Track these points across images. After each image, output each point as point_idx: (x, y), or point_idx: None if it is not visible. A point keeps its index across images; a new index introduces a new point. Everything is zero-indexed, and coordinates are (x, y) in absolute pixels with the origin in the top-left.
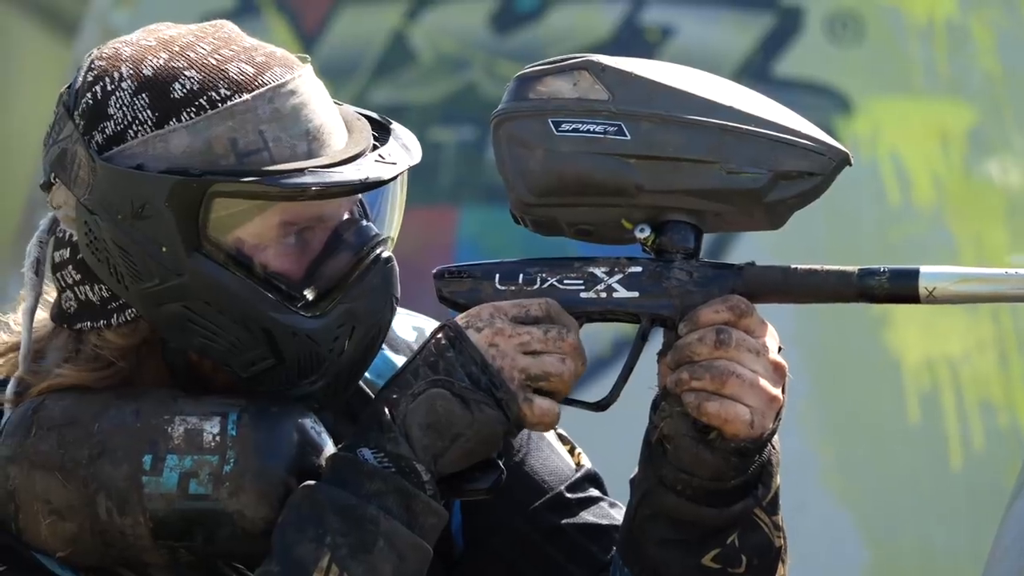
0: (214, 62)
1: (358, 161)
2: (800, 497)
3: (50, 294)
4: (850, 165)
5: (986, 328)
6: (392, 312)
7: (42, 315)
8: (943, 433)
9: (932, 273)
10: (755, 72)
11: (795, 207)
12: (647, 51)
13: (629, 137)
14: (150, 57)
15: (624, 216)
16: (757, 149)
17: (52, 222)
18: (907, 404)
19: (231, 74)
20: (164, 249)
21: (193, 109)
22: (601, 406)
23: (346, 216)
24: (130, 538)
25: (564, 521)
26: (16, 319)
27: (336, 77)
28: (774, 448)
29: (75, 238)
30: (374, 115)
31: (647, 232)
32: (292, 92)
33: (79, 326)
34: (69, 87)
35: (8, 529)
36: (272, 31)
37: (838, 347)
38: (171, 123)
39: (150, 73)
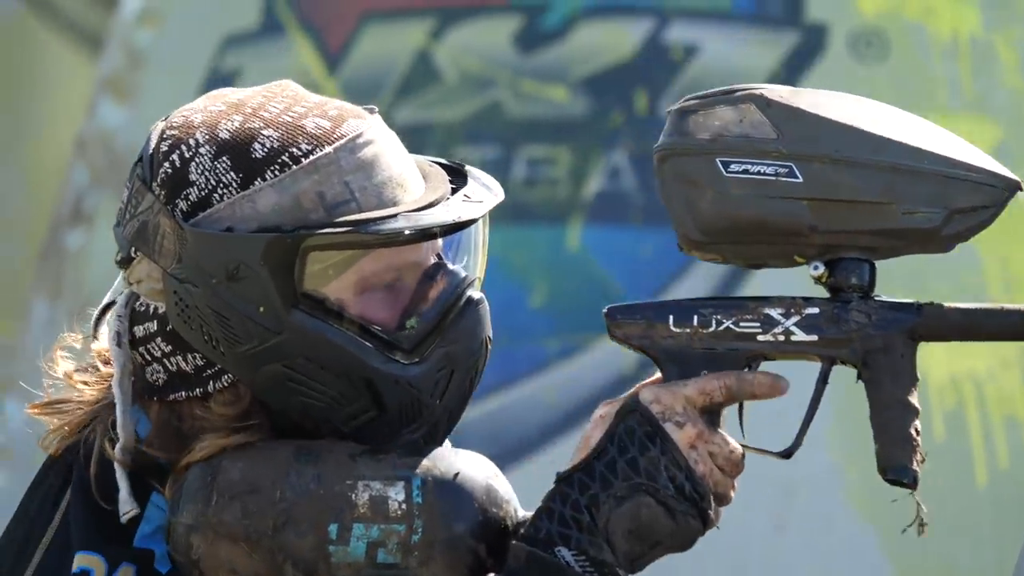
0: (289, 119)
1: (445, 203)
2: (825, 513)
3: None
4: (1021, 190)
5: (1010, 345)
6: (487, 353)
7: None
8: (968, 450)
9: None
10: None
11: (969, 236)
12: (671, 69)
13: (801, 180)
14: (224, 121)
15: (797, 253)
16: (930, 188)
17: (130, 297)
18: (932, 421)
19: (308, 129)
20: (262, 309)
21: (277, 167)
22: (787, 454)
23: (432, 261)
24: None
25: None
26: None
27: (360, 96)
28: None
29: (160, 310)
30: (446, 161)
31: (821, 270)
32: (370, 141)
33: (172, 396)
34: (139, 160)
35: None
36: (296, 50)
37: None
38: (256, 183)
39: (227, 136)
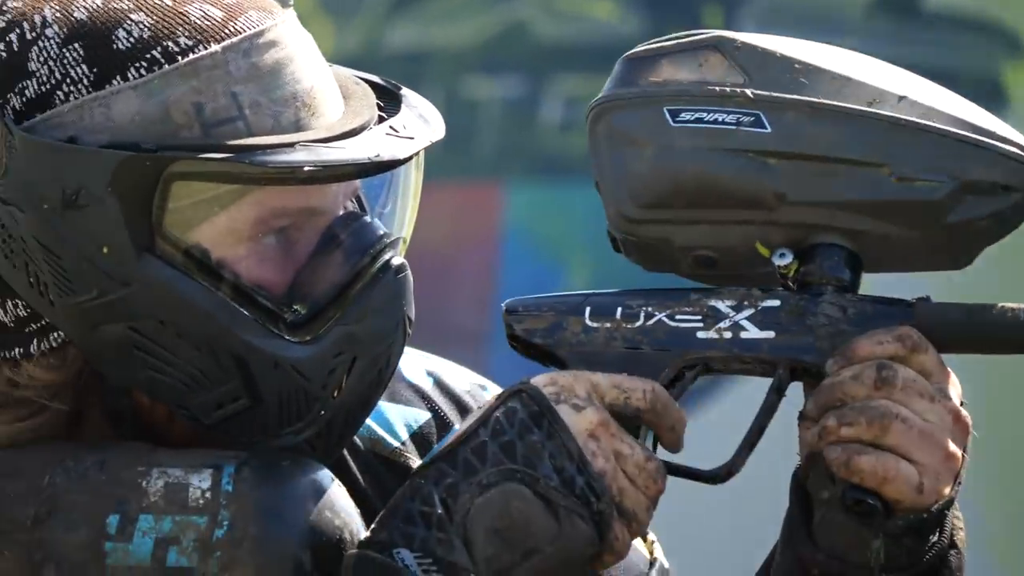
0: (169, 2)
1: (364, 134)
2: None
3: None
4: None
5: None
6: (404, 338)
7: None
8: None
9: None
10: (897, 5)
11: (986, 236)
12: None
13: (770, 130)
14: None
15: (759, 238)
16: (937, 149)
17: None
18: None
19: (193, 18)
20: (105, 250)
21: (143, 64)
22: (718, 478)
23: (343, 210)
24: None
25: None
26: None
27: (338, 14)
28: (957, 526)
29: None
30: (377, 79)
31: (788, 259)
32: (273, 43)
33: None
34: None
35: None
36: None
37: (1009, 381)
38: (114, 82)
39: (84, 17)
